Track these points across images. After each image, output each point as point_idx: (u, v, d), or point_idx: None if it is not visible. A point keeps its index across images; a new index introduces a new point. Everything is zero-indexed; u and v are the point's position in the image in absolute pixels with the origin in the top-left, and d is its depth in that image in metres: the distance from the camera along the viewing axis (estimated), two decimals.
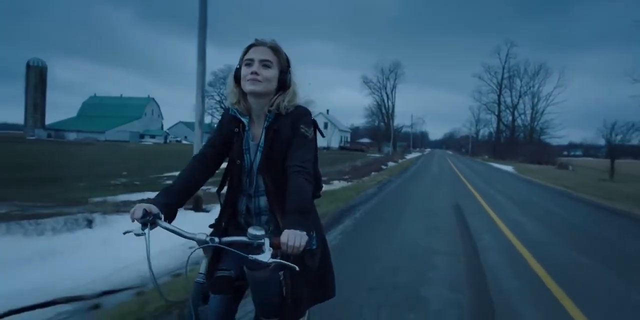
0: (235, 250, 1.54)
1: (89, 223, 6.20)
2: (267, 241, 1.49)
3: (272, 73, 1.82)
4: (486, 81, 78.23)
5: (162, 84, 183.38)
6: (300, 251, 1.51)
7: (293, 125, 1.83)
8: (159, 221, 1.62)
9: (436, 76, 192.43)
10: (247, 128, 1.88)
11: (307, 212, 1.67)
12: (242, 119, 1.88)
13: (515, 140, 67.65)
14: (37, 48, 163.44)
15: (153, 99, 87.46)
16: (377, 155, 52.00)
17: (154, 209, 1.62)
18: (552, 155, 49.52)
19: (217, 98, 64.93)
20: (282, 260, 1.47)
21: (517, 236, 7.10)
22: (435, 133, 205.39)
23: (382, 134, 77.73)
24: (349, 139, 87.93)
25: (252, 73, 1.78)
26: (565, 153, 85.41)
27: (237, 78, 1.86)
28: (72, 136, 73.80)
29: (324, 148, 65.69)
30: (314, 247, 1.90)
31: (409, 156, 59.73)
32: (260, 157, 1.86)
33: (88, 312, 3.43)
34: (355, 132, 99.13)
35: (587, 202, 14.05)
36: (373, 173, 22.05)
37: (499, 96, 74.60)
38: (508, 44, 79.55)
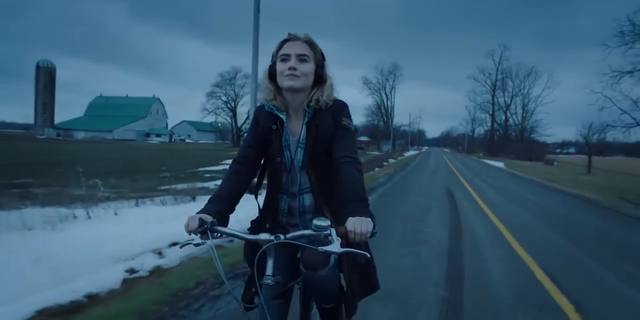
0: (305, 244, 1.60)
1: (193, 198, 10.12)
2: (333, 231, 1.48)
3: (309, 67, 1.83)
4: (481, 82, 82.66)
5: (166, 83, 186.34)
6: (368, 238, 1.53)
7: (334, 119, 1.86)
8: (218, 227, 1.62)
9: (434, 74, 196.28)
10: (285, 124, 1.89)
11: (366, 199, 1.68)
12: (280, 115, 1.89)
13: (508, 139, 72.18)
14: (41, 48, 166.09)
15: (158, 98, 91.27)
16: (377, 153, 55.55)
17: (207, 217, 1.63)
18: (542, 152, 53.93)
19: (224, 99, 68.74)
20: (353, 249, 1.47)
21: (484, 201, 11.26)
22: (433, 131, 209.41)
23: (381, 132, 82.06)
24: None
25: (289, 68, 1.79)
26: (559, 151, 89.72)
27: (272, 74, 1.87)
28: (80, 135, 77.26)
29: None
30: (376, 234, 1.73)
31: (407, 154, 63.86)
32: (303, 153, 1.88)
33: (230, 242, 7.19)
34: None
35: (551, 188, 18.26)
36: (377, 168, 25.82)
37: (492, 97, 79.36)
38: (502, 47, 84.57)
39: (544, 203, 12.58)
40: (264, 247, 1.58)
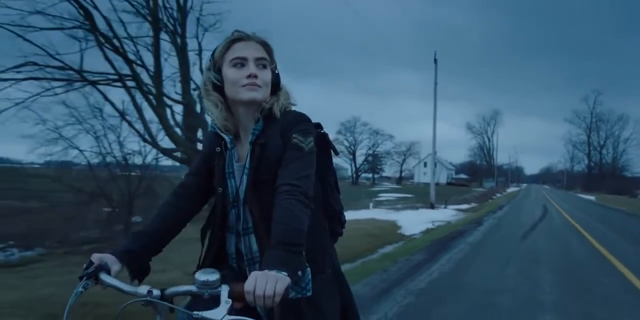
0: (178, 307, 1.20)
1: (432, 206, 23.85)
2: (224, 290, 1.12)
3: (270, 76, 1.51)
4: (576, 124, 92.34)
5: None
6: (275, 303, 1.09)
7: (283, 135, 1.46)
8: (103, 275, 1.28)
9: (531, 108, 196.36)
10: (229, 146, 1.53)
11: (297, 244, 1.24)
12: (224, 136, 1.52)
13: (603, 176, 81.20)
14: None
15: None
16: (481, 189, 65.76)
17: (107, 259, 1.33)
18: (632, 188, 63.22)
19: (346, 144, 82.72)
20: (244, 318, 1.07)
21: (563, 210, 24.37)
22: (531, 168, 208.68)
23: (482, 170, 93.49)
24: (454, 175, 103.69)
25: (249, 76, 1.45)
26: None
27: (215, 85, 1.50)
28: None
29: (435, 184, 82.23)
30: (308, 293, 1.38)
31: (509, 190, 74.78)
32: (247, 181, 1.49)
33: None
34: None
35: (611, 208, 30.42)
36: (490, 200, 38.37)
37: (588, 137, 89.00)
38: (595, 92, 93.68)
39: (594, 211, 25.29)
40: (127, 304, 1.19)
